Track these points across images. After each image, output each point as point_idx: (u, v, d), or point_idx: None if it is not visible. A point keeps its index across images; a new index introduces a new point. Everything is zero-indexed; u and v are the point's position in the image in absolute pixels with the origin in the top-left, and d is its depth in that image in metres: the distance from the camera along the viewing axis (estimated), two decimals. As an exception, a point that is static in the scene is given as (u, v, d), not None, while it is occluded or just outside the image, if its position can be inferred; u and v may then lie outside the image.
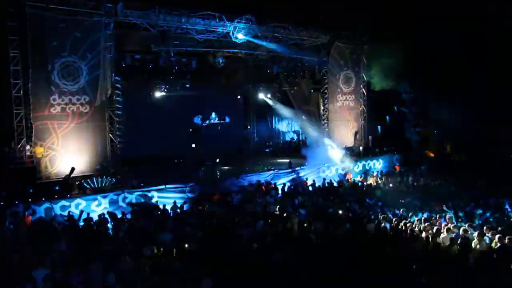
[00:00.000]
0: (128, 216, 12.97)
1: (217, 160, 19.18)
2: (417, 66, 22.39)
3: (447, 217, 11.28)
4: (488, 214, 11.85)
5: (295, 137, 26.53)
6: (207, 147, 21.57)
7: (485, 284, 7.28)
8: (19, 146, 14.08)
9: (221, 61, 19.38)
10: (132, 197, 14.58)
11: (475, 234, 9.36)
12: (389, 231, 10.37)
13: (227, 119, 23.46)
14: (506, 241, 8.65)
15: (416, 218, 11.65)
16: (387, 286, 7.33)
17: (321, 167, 19.72)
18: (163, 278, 7.69)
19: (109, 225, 11.99)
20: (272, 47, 19.44)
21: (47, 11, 13.77)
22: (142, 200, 14.63)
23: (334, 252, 8.72)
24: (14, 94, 13.97)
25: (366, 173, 20.61)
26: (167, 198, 15.01)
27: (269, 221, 11.44)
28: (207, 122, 22.48)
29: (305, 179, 18.48)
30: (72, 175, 14.12)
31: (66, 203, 13.36)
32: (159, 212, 13.29)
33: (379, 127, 24.77)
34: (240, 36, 17.88)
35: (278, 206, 13.11)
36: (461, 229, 9.71)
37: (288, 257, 8.31)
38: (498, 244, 8.71)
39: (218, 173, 17.48)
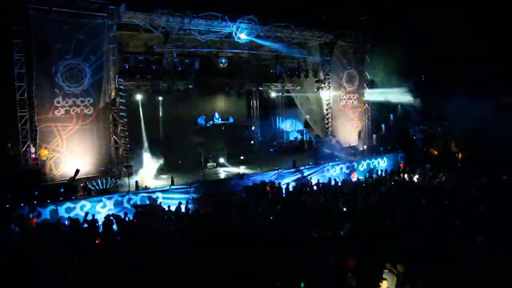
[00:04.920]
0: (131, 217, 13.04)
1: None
2: (421, 64, 22.33)
3: None
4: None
5: (299, 136, 26.46)
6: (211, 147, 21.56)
7: None
8: (24, 148, 14.16)
9: (224, 61, 19.38)
10: (137, 198, 14.61)
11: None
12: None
13: (231, 120, 23.40)
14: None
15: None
16: None
17: (326, 166, 19.68)
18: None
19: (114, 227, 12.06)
20: (275, 46, 19.44)
21: (51, 14, 13.81)
22: (147, 202, 14.67)
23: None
24: (19, 97, 14.07)
25: (371, 171, 20.57)
26: (171, 199, 15.03)
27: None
28: (211, 122, 22.41)
29: (309, 179, 18.45)
30: (76, 177, 14.16)
31: (71, 205, 13.41)
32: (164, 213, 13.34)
33: (383, 125, 24.69)
34: (243, 36, 17.86)
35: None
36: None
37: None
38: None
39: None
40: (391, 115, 25.69)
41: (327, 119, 22.49)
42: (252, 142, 23.10)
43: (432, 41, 21.84)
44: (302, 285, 7.35)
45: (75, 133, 14.84)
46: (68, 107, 14.65)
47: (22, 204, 12.61)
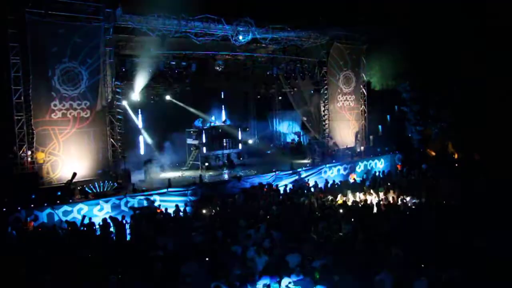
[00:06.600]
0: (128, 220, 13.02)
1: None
2: (417, 65, 22.40)
3: None
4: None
5: (296, 138, 26.52)
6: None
7: None
8: (21, 152, 14.09)
9: (220, 64, 19.40)
10: (134, 201, 14.58)
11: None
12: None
13: (228, 122, 23.41)
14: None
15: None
16: None
17: (323, 168, 19.71)
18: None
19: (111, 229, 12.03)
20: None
21: (47, 17, 13.79)
22: (144, 204, 14.63)
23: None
24: (15, 100, 13.99)
25: (368, 173, 20.61)
26: (169, 201, 15.01)
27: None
28: (208, 125, 22.42)
29: (307, 180, 18.45)
30: (73, 180, 14.12)
31: (68, 208, 13.36)
32: (161, 216, 13.31)
33: (380, 126, 24.75)
34: (240, 39, 17.89)
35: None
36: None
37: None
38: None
39: None
40: (388, 116, 25.75)
41: (324, 120, 22.53)
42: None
43: (429, 42, 21.90)
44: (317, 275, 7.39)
45: (72, 136, 14.79)
46: (65, 110, 14.61)
47: (19, 208, 12.55)
